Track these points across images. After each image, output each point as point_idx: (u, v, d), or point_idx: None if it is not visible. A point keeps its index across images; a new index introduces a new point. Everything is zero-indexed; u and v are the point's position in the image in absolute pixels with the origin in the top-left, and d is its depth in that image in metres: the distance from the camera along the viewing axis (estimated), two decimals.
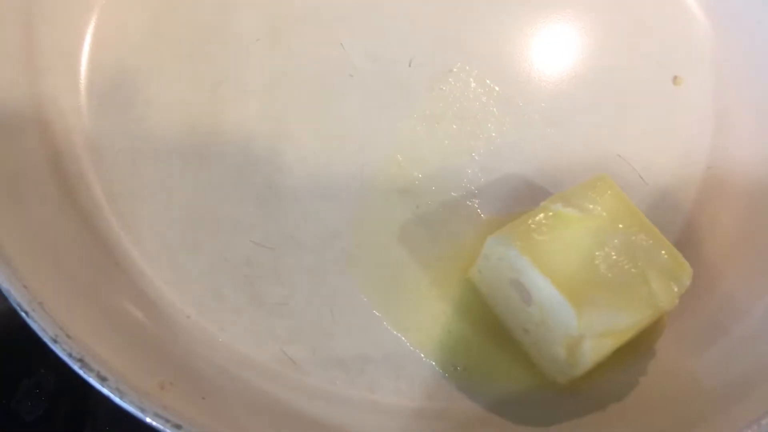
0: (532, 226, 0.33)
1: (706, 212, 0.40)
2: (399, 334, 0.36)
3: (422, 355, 0.36)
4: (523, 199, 0.39)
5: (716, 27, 0.45)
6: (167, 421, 0.26)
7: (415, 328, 0.36)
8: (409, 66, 0.42)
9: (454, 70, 0.43)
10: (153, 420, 0.27)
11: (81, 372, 0.27)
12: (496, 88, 0.42)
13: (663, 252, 0.33)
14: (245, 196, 0.38)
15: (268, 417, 0.32)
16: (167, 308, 0.35)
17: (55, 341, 0.27)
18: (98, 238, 0.35)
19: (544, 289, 0.32)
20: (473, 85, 0.42)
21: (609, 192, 0.34)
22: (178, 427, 0.26)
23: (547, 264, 0.32)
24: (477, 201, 0.39)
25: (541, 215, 0.33)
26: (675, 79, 0.44)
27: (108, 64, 0.40)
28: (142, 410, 0.27)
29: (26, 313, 0.27)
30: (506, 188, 0.40)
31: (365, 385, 0.35)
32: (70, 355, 0.27)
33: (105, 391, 0.27)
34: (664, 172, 0.41)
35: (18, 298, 0.28)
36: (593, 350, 0.31)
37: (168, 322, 0.34)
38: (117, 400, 0.27)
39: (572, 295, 0.31)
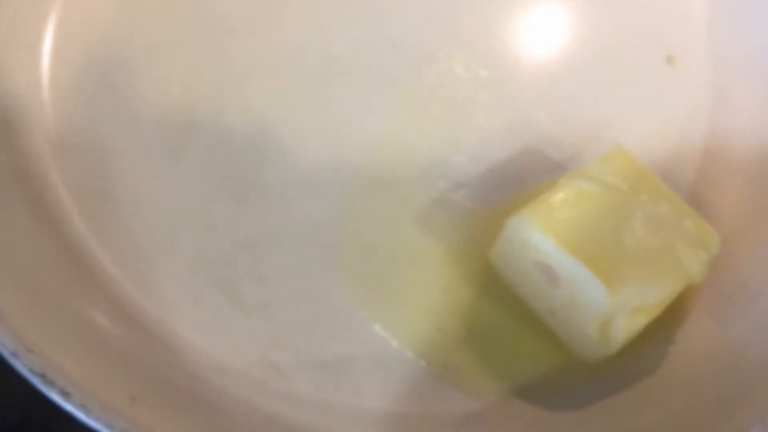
0: (554, 205, 0.32)
1: (707, 193, 0.39)
2: (386, 334, 0.35)
3: (411, 356, 0.34)
4: (513, 188, 0.38)
5: (711, 2, 0.43)
6: None
7: (403, 327, 0.35)
8: (392, 52, 0.40)
9: (440, 55, 0.41)
10: None
11: (43, 388, 0.25)
12: (484, 73, 0.41)
13: (688, 221, 0.32)
14: (223, 193, 0.37)
15: (249, 426, 0.30)
16: (139, 315, 0.33)
17: (15, 356, 0.25)
18: (64, 242, 0.34)
19: (573, 269, 0.31)
20: (459, 70, 0.41)
21: (627, 164, 0.33)
22: None
23: (573, 243, 0.31)
24: (465, 192, 0.38)
25: (562, 193, 0.32)
26: (669, 59, 0.42)
27: (73, 57, 0.38)
28: (110, 428, 0.25)
29: None
30: (496, 178, 0.38)
31: (351, 389, 0.33)
32: (31, 371, 0.25)
33: (69, 407, 0.25)
34: (661, 155, 0.39)
35: None
36: (627, 327, 0.30)
37: (140, 329, 0.32)
38: (82, 417, 0.25)
39: (602, 273, 0.30)
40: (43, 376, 0.25)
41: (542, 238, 0.31)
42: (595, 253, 0.31)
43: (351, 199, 0.37)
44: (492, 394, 0.33)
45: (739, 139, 0.40)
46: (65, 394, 0.25)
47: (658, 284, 0.31)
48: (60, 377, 0.25)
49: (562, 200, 0.32)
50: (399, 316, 0.35)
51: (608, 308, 0.30)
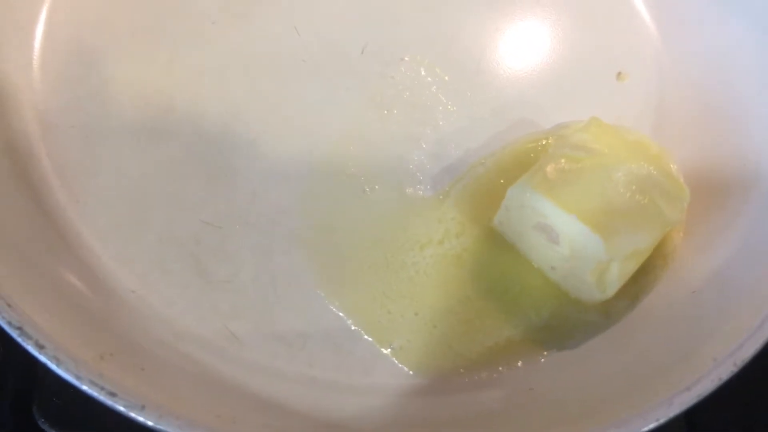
0: (548, 172, 0.36)
1: None
2: (340, 313, 0.37)
3: (363, 333, 0.37)
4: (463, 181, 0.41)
5: (660, 26, 0.46)
6: (102, 388, 0.28)
7: (356, 307, 0.38)
8: (362, 53, 0.43)
9: (406, 58, 0.44)
10: (89, 388, 0.28)
11: (20, 340, 0.28)
12: (446, 78, 0.44)
13: (663, 176, 0.36)
14: (196, 174, 0.39)
15: (207, 388, 0.33)
16: (112, 283, 0.36)
17: None
18: (46, 213, 0.36)
19: (571, 225, 0.34)
20: (423, 74, 0.44)
21: (606, 131, 0.38)
22: (112, 394, 0.27)
23: (569, 203, 0.35)
24: (422, 186, 0.41)
25: (553, 162, 0.36)
26: (619, 75, 0.45)
27: (63, 40, 0.40)
28: (78, 378, 0.28)
29: None
30: (451, 174, 0.41)
31: (305, 361, 0.36)
32: (9, 324, 0.28)
33: (42, 358, 0.28)
34: None
35: None
36: (621, 271, 0.35)
37: (112, 296, 0.35)
38: (54, 367, 0.28)
39: (598, 227, 0.34)
40: (20, 329, 0.28)
41: (543, 200, 0.35)
42: (589, 209, 0.35)
43: (316, 187, 0.40)
44: (430, 373, 0.36)
45: (677, 155, 0.43)
46: (40, 347, 0.28)
47: (644, 231, 0.35)
48: (36, 332, 0.28)
49: (555, 167, 0.36)
50: (353, 297, 0.38)
51: (605, 255, 0.34)
